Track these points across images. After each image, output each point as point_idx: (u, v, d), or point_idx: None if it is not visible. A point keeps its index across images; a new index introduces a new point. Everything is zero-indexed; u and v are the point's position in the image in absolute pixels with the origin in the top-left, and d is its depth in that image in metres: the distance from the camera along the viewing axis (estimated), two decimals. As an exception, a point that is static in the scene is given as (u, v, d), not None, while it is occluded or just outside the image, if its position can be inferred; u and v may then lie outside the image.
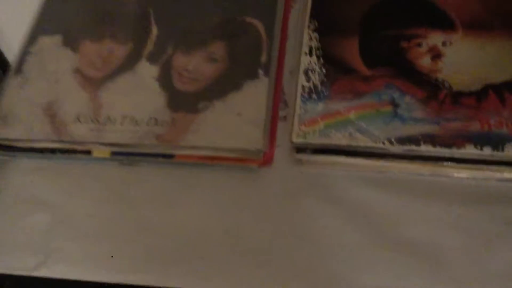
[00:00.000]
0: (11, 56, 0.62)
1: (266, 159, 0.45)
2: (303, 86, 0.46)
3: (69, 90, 0.48)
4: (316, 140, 0.43)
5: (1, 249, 0.44)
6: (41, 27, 0.52)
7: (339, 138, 0.43)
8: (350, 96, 0.45)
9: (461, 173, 0.42)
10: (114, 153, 0.46)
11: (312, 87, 0.46)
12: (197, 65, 0.49)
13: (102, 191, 0.46)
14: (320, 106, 0.44)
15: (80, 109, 0.47)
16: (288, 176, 0.45)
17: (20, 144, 0.47)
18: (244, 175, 0.46)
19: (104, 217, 0.44)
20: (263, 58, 0.48)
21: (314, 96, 0.45)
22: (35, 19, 0.53)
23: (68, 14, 0.53)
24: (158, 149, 0.45)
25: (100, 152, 0.46)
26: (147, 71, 0.49)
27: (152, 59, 0.49)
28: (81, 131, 0.46)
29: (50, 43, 0.51)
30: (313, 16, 0.50)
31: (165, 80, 0.48)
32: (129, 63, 0.49)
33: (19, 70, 0.50)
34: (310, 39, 0.48)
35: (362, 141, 0.42)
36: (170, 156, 0.46)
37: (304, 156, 0.45)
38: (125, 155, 0.46)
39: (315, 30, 0.49)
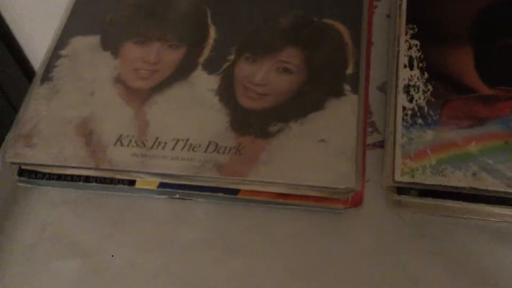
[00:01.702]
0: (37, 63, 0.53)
1: (355, 200, 0.36)
2: (404, 108, 0.36)
3: (109, 104, 0.39)
4: (428, 179, 0.33)
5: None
6: (75, 25, 0.43)
7: (458, 179, 0.33)
8: (467, 123, 0.35)
9: None
10: (162, 185, 0.37)
11: (416, 108, 0.36)
12: (266, 77, 0.39)
13: (146, 233, 0.37)
14: (429, 134, 0.35)
15: (122, 129, 0.37)
16: (383, 222, 0.36)
17: (46, 170, 0.38)
18: (326, 218, 0.36)
19: (149, 266, 0.35)
20: (349, 70, 0.39)
21: (419, 120, 0.35)
22: (67, 16, 0.44)
23: (106, 10, 0.44)
24: (219, 182, 0.36)
25: (145, 183, 0.37)
26: (204, 82, 0.39)
27: (210, 67, 0.40)
28: (123, 156, 0.36)
29: (85, 45, 0.42)
30: (410, 20, 0.40)
31: (227, 94, 0.39)
32: (182, 72, 0.40)
33: (47, 77, 0.40)
34: (409, 47, 0.39)
35: (491, 184, 0.32)
36: (234, 192, 0.37)
37: (406, 198, 0.35)
38: (176, 187, 0.37)
39: (414, 37, 0.39)
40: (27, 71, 0.73)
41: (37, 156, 0.37)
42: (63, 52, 0.42)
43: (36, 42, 0.71)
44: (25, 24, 0.69)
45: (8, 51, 0.68)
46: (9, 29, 0.70)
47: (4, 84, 0.71)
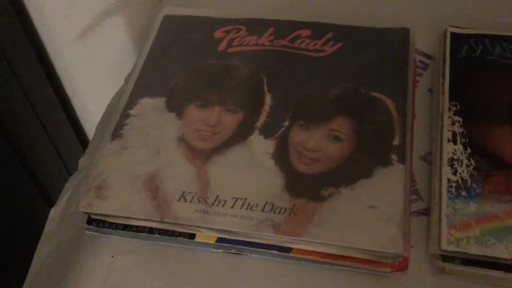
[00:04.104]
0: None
1: (401, 264, 0.38)
2: (448, 180, 0.39)
3: (173, 162, 0.42)
4: (472, 249, 0.36)
5: None
6: (143, 87, 0.47)
7: (501, 250, 0.35)
8: (508, 198, 0.37)
9: None
10: (220, 239, 0.40)
11: (460, 181, 0.39)
12: (318, 144, 0.42)
13: (202, 284, 0.39)
14: (472, 207, 0.37)
15: (185, 186, 0.41)
16: (427, 286, 0.38)
17: (113, 220, 0.41)
18: (372, 280, 0.38)
19: (206, 317, 0.38)
20: (396, 141, 0.42)
21: (463, 193, 0.38)
22: (135, 79, 0.48)
23: (171, 75, 0.48)
24: (274, 240, 0.39)
25: (204, 237, 0.40)
26: (261, 146, 0.43)
27: (266, 132, 0.44)
28: (186, 211, 0.40)
29: (152, 106, 0.46)
30: (453, 97, 0.43)
31: (282, 158, 0.42)
32: (240, 135, 0.44)
33: (117, 134, 0.44)
34: (453, 123, 0.42)
35: (532, 257, 0.35)
36: (286, 250, 0.39)
37: (449, 265, 0.37)
38: (233, 242, 0.40)
39: (457, 114, 0.42)
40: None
41: (107, 207, 0.40)
42: (132, 111, 0.46)
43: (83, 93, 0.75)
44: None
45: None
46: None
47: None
